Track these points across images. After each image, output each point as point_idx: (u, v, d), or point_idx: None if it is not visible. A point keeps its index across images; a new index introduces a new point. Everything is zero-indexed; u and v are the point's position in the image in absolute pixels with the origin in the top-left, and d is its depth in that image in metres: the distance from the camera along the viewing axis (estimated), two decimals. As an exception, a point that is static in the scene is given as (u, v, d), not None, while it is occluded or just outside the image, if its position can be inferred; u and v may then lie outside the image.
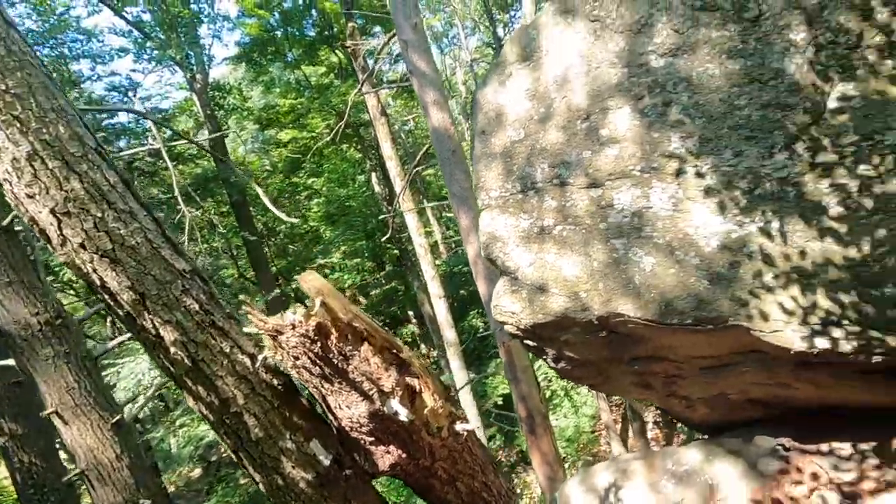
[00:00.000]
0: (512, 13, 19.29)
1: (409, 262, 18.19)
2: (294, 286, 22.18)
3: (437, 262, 17.41)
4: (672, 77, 2.90)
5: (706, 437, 4.32)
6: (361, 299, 23.59)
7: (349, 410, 2.53)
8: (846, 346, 2.55)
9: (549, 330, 3.21)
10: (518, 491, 14.49)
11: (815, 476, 3.12)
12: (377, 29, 16.57)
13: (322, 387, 2.49)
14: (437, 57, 25.25)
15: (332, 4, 14.62)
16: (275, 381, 2.56)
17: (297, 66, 16.98)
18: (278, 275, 21.61)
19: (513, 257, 3.26)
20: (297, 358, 2.36)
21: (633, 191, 2.97)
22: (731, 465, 3.47)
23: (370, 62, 12.33)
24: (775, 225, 2.67)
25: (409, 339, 23.19)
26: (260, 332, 2.40)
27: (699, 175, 2.81)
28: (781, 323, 2.64)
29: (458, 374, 13.14)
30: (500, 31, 18.17)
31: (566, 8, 3.25)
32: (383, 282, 22.69)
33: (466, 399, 13.12)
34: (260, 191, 6.10)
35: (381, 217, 10.79)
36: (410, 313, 23.29)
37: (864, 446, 3.07)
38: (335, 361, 2.37)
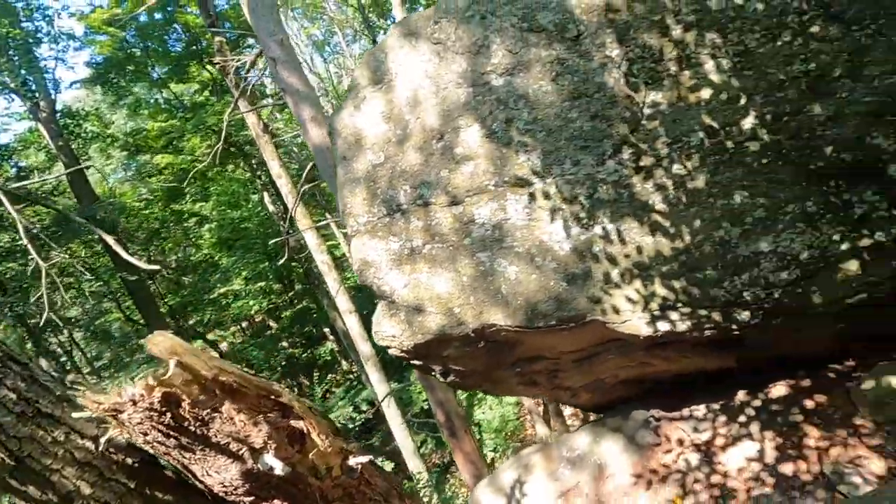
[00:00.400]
0: (391, 20, 19.34)
1: (316, 280, 17.58)
2: (193, 322, 20.48)
3: (347, 274, 16.99)
4: (512, 95, 3.06)
5: (601, 415, 4.67)
6: (272, 323, 22.41)
7: (219, 475, 2.36)
8: (682, 326, 2.87)
9: (430, 348, 3.26)
10: (453, 491, 14.62)
11: (680, 441, 3.48)
12: (252, 41, 15.74)
13: (183, 457, 2.29)
14: (320, 65, 24.56)
15: (195, 18, 13.62)
16: (128, 460, 2.31)
17: (164, 84, 15.62)
18: (174, 312, 19.82)
19: (387, 281, 3.26)
20: (145, 434, 2.15)
21: (490, 205, 3.10)
22: (614, 442, 3.77)
23: (250, 77, 11.68)
24: (614, 226, 2.92)
25: (329, 357, 22.46)
26: (97, 413, 2.15)
27: (545, 184, 3.00)
28: (629, 313, 2.91)
29: (379, 386, 12.94)
30: (380, 38, 18.14)
31: (409, 31, 3.31)
32: (294, 302, 21.73)
33: (390, 410, 12.98)
34: (110, 239, 5.47)
35: (272, 242, 10.24)
36: (326, 330, 22.56)
37: (715, 406, 3.49)
38: (193, 429, 2.19)
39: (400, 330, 3.23)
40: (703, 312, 2.84)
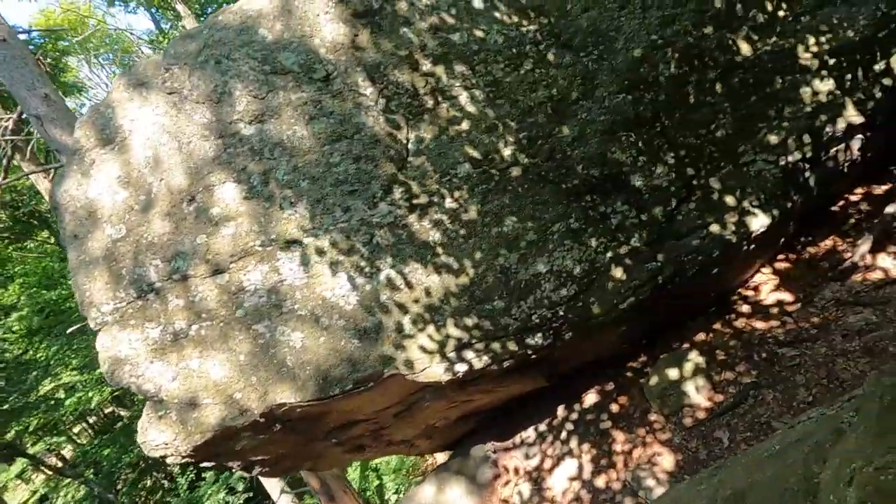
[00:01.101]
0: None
1: (165, 354, 15.37)
2: (12, 435, 16.65)
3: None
4: (266, 143, 2.76)
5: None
6: (122, 412, 19.18)
7: None
8: (479, 364, 2.77)
9: (216, 446, 2.75)
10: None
11: (516, 470, 3.41)
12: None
13: None
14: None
15: (-50, 71, 11.21)
16: None
17: (-80, 153, 12.58)
18: (-21, 428, 15.83)
19: (149, 377, 2.69)
20: None
21: (261, 267, 2.73)
22: (458, 486, 3.57)
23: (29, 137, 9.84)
24: (398, 270, 2.74)
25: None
26: None
27: (318, 237, 2.73)
28: (426, 361, 2.73)
29: (253, 460, 11.57)
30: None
31: (138, 80, 2.84)
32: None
33: (269, 482, 11.66)
34: None
35: (77, 327, 8.64)
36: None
37: (542, 427, 3.49)
38: None
39: (172, 434, 2.67)
40: (496, 346, 2.77)
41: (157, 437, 2.68)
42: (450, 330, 2.75)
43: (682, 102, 2.96)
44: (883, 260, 2.95)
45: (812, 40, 2.95)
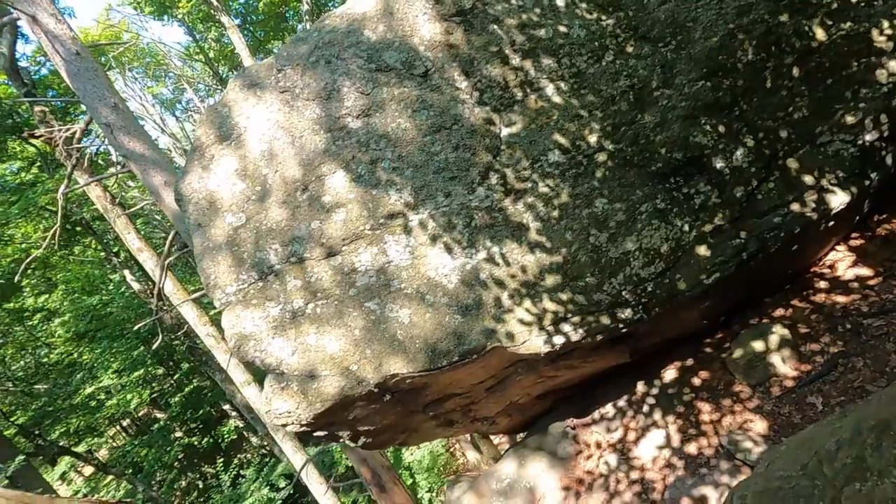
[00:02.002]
0: (246, 70, 18.59)
1: (203, 356, 15.85)
2: (57, 436, 17.23)
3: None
4: (372, 135, 2.98)
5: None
6: (159, 414, 19.69)
7: None
8: (575, 336, 2.94)
9: (333, 415, 2.97)
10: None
11: (598, 445, 3.56)
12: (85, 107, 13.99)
13: None
14: (173, 125, 22.82)
15: (6, 87, 11.82)
16: None
17: (-25, 166, 13.21)
18: (28, 430, 16.45)
19: (271, 352, 2.93)
20: None
21: (370, 250, 2.95)
22: (539, 461, 3.74)
23: (88, 147, 10.33)
24: (495, 250, 2.94)
25: (235, 436, 20.24)
26: None
27: (422, 220, 2.94)
28: (526, 334, 2.91)
29: (294, 456, 11.84)
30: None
31: (252, 81, 3.10)
32: (182, 385, 19.31)
33: (312, 478, 11.91)
34: None
35: (138, 326, 8.90)
36: (227, 407, 20.32)
37: (621, 403, 3.64)
38: None
39: (295, 403, 2.90)
40: (590, 318, 2.94)
41: (280, 406, 2.91)
42: (546, 304, 2.94)
43: (760, 87, 3.11)
44: (959, 234, 3.06)
45: (886, 24, 3.08)
